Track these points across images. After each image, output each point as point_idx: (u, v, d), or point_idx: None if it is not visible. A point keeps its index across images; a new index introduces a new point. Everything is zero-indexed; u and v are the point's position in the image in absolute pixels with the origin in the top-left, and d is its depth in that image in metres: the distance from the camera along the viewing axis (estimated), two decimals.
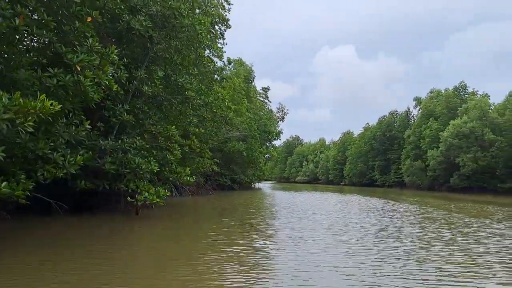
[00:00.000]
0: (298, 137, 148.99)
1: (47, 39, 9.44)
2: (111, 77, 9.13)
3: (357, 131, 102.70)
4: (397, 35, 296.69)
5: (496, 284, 5.82)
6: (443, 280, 5.88)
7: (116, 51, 11.77)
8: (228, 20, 25.80)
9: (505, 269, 6.73)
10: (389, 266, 6.73)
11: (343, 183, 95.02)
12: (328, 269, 6.48)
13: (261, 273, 6.08)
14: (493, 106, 60.19)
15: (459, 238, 10.06)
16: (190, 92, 14.87)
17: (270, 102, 56.10)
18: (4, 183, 6.63)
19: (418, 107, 76.07)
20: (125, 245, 8.17)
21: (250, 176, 45.45)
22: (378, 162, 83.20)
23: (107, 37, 14.18)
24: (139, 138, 13.66)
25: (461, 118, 57.47)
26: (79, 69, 7.98)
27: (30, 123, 5.87)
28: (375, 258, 7.28)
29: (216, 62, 28.68)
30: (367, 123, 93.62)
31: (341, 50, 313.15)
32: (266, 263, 6.93)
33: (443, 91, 71.49)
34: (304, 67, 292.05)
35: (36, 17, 8.63)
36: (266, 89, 55.59)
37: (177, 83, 14.84)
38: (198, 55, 15.07)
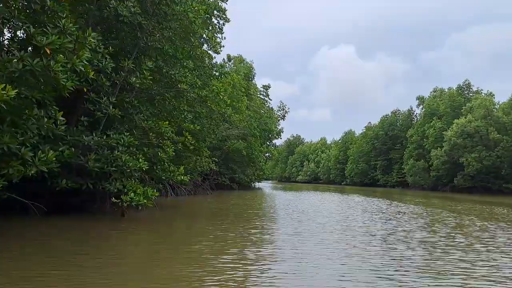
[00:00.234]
0: (299, 136, 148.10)
1: (19, 23, 8.50)
2: (87, 63, 8.10)
3: (357, 130, 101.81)
4: (397, 35, 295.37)
5: None
6: None
7: (99, 38, 10.92)
8: (225, 10, 24.74)
9: None
10: (408, 282, 5.73)
11: (344, 183, 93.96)
12: None
13: None
14: (498, 105, 59.12)
15: (477, 245, 9.05)
16: (183, 85, 13.87)
17: (271, 100, 55.02)
18: None
19: (421, 106, 75.00)
20: (95, 251, 7.17)
21: (250, 175, 44.39)
22: (380, 161, 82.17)
23: (96, 26, 13.20)
24: (127, 134, 12.67)
25: (465, 117, 56.42)
26: (49, 53, 6.98)
27: None
28: (388, 273, 6.27)
29: (215, 57, 27.78)
30: (369, 122, 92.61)
31: (341, 49, 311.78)
32: (259, 278, 5.92)
33: (446, 90, 70.42)
34: (304, 67, 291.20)
35: None
36: (266, 87, 54.50)
37: (169, 75, 13.83)
38: (192, 46, 14.05)
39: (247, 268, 6.30)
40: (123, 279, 5.39)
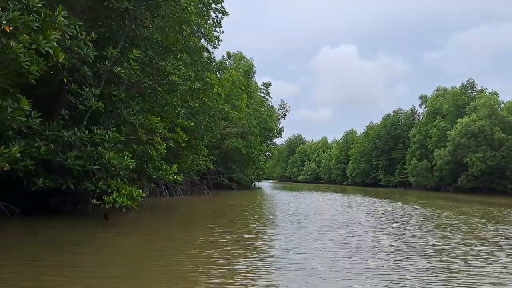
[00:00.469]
0: (300, 135, 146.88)
1: None
2: (57, 45, 7.11)
3: (358, 130, 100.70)
4: (398, 35, 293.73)
5: None
6: None
7: (80, 23, 9.95)
8: (222, 1, 23.69)
9: None
10: None
11: (345, 182, 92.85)
12: None
13: None
14: (503, 104, 57.96)
15: (500, 254, 8.04)
16: (174, 77, 12.87)
17: (271, 98, 53.96)
18: None
19: (424, 106, 73.76)
20: (60, 265, 6.19)
21: (249, 175, 43.39)
22: (382, 161, 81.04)
23: (83, 15, 12.22)
24: (114, 129, 11.69)
25: (469, 116, 55.27)
26: (8, 31, 6.00)
27: None
28: None
29: (213, 52, 26.84)
30: (371, 122, 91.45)
31: (343, 49, 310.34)
32: None
33: (449, 89, 69.29)
34: (305, 67, 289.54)
35: None
36: (267, 85, 53.46)
37: (159, 66, 12.84)
38: (184, 36, 13.04)
39: (232, 283, 5.31)
40: None
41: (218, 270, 6.01)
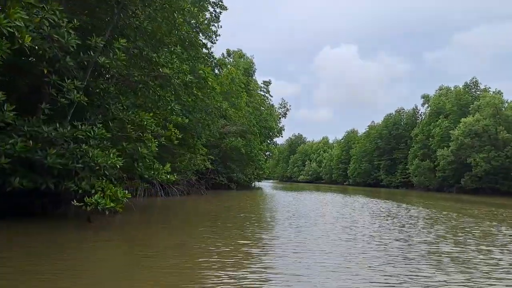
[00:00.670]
0: (301, 135, 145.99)
1: None
2: (23, 26, 6.27)
3: (359, 130, 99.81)
4: (399, 35, 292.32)
5: None
6: None
7: (60, 8, 9.12)
8: None
9: None
10: None
11: (346, 183, 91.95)
12: None
13: None
14: (507, 104, 57.02)
15: None
16: (165, 69, 12.03)
17: (272, 96, 53.09)
18: None
19: (426, 105, 72.83)
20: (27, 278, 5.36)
21: (249, 174, 42.50)
22: (384, 161, 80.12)
23: (67, 1, 11.39)
24: (101, 126, 10.86)
25: (473, 116, 54.33)
26: None
27: None
28: None
29: (211, 47, 25.98)
30: (372, 121, 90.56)
31: (344, 49, 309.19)
32: None
33: (452, 88, 68.35)
34: (306, 67, 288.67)
35: None
36: (267, 83, 52.62)
37: (150, 58, 12.00)
38: (176, 25, 12.19)
39: None
40: None
41: (204, 286, 5.19)
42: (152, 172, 13.12)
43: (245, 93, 41.47)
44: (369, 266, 6.64)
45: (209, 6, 24.40)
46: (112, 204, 9.07)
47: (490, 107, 53.52)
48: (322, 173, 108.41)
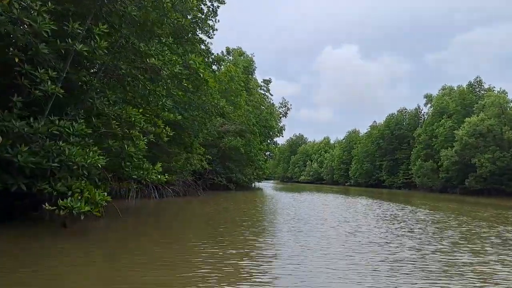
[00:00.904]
0: (302, 136, 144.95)
1: None
2: None
3: (361, 130, 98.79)
4: (400, 36, 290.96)
5: None
6: None
7: None
8: None
9: None
10: None
11: (348, 183, 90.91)
12: None
13: None
14: None
15: None
16: (152, 59, 11.05)
17: (272, 95, 52.13)
18: None
19: (429, 105, 71.76)
20: None
21: (248, 175, 41.50)
22: (386, 162, 79.06)
23: None
24: (82, 121, 9.89)
25: (477, 116, 53.26)
26: None
27: None
28: None
29: (208, 43, 25.03)
30: (374, 121, 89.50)
31: (345, 49, 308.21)
32: None
33: (455, 88, 67.29)
34: (307, 67, 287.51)
35: None
36: (267, 81, 51.64)
37: (136, 47, 11.04)
38: (166, 11, 11.24)
39: None
40: None
41: None
42: (141, 172, 12.17)
43: (244, 91, 40.57)
44: (376, 275, 5.66)
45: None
46: (87, 208, 8.08)
47: (495, 106, 52.45)
48: (323, 173, 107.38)
